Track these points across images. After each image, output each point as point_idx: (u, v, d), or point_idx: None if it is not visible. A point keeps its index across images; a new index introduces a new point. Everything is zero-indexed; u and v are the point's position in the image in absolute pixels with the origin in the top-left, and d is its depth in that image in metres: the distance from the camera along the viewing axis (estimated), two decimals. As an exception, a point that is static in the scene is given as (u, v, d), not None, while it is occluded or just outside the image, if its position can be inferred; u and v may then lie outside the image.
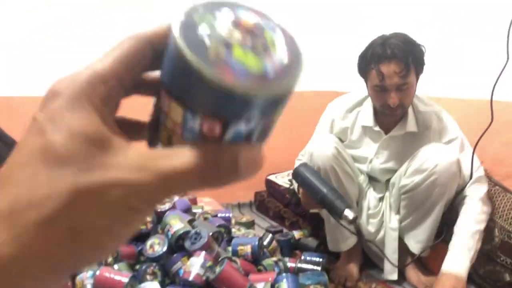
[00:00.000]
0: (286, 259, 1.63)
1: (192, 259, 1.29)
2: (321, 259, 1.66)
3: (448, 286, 1.38)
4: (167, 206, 1.52)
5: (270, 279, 1.35)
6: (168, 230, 1.38)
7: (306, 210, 1.88)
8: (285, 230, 1.94)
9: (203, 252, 1.30)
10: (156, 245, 1.37)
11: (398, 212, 1.62)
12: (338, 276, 1.63)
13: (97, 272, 1.22)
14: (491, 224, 1.53)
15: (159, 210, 1.50)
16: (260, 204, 2.36)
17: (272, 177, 2.34)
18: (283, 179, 2.28)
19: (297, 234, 1.91)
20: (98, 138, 0.23)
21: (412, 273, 1.62)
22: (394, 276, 1.59)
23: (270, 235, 1.74)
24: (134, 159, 0.23)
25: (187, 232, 1.37)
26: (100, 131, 0.23)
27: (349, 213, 1.32)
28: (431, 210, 1.52)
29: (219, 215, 1.75)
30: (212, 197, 2.33)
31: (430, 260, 1.68)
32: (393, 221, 1.61)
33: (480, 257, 1.55)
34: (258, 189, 2.44)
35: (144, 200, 0.23)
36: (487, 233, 1.53)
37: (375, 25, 1.71)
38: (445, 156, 1.44)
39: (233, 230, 1.67)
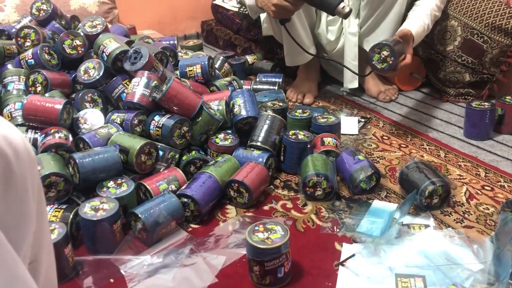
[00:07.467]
0: (242, 81, 1.52)
1: (135, 79, 1.13)
2: (278, 79, 1.57)
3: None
4: (98, 28, 1.31)
5: (224, 97, 1.25)
6: (103, 52, 1.20)
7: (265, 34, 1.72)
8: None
9: (146, 72, 1.14)
10: (91, 70, 1.20)
11: (358, 16, 1.48)
12: (296, 93, 1.55)
13: (25, 101, 1.05)
14: (454, 22, 1.44)
15: (89, 33, 1.29)
16: (208, 34, 2.17)
17: (218, 1, 2.11)
18: (231, 2, 2.05)
19: (250, 58, 1.78)
20: None
21: (372, 83, 1.56)
22: (355, 84, 1.52)
23: (221, 57, 1.59)
24: None
25: (124, 52, 1.19)
26: None
27: (343, 6, 1.19)
28: (391, 6, 1.40)
29: (163, 41, 1.56)
30: (154, 29, 2.11)
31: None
32: (352, 25, 1.48)
33: (440, 60, 1.50)
34: (205, 18, 2.23)
35: None
36: (449, 33, 1.45)
37: None
38: None
39: (179, 54, 1.50)
